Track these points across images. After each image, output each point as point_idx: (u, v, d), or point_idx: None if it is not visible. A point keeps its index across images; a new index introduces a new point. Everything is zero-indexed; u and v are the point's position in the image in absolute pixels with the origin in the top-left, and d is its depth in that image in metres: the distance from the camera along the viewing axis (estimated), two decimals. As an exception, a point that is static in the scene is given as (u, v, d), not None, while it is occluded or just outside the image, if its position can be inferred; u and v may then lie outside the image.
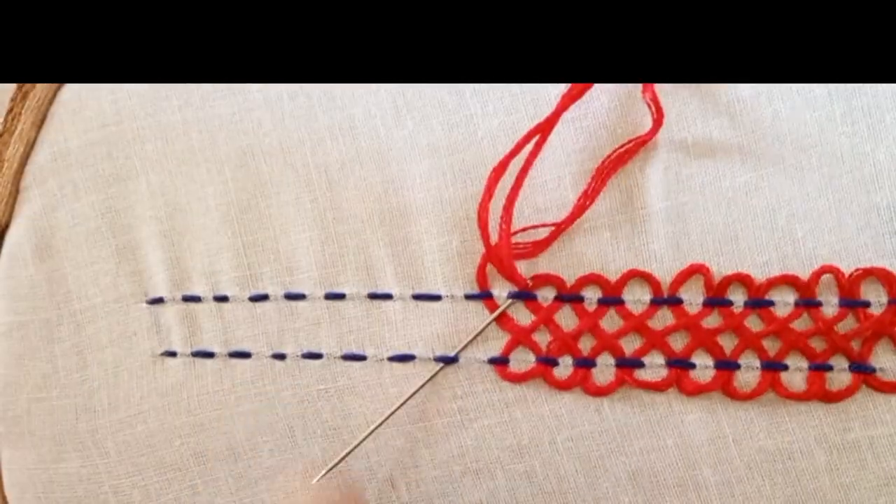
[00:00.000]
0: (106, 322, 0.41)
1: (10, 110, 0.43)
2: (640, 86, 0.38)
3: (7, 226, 0.43)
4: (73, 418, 0.42)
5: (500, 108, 0.39)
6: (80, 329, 0.42)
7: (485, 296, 0.38)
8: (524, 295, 0.38)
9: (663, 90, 0.38)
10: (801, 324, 0.36)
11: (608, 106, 0.38)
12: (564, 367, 0.38)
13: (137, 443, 0.41)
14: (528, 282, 0.38)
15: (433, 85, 0.39)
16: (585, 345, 0.37)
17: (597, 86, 0.38)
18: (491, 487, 0.38)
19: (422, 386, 0.38)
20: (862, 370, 0.36)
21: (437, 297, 0.38)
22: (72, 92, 0.42)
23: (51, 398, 0.42)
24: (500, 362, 0.38)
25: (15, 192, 0.43)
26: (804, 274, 0.36)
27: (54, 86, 0.42)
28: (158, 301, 0.41)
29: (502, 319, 0.38)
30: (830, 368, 0.36)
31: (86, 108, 0.42)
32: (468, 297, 0.38)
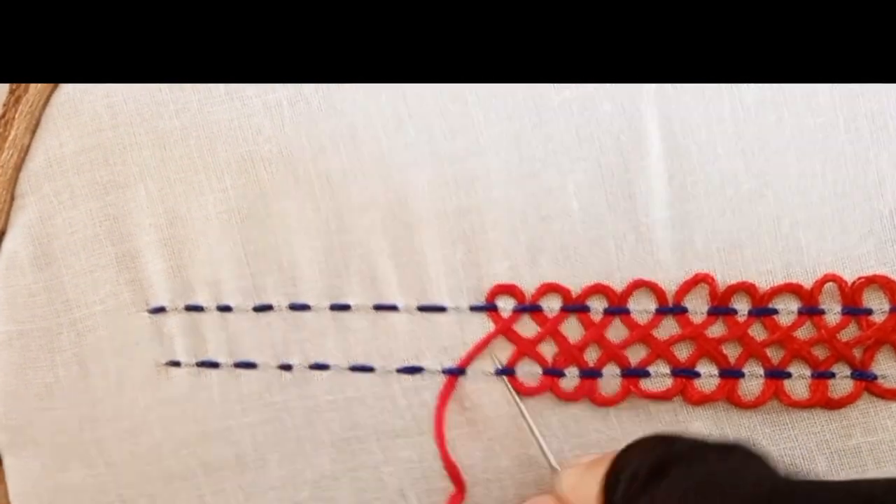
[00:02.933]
0: (107, 331, 0.42)
1: (3, 115, 0.43)
2: (643, 91, 0.38)
3: (3, 234, 0.43)
4: (77, 428, 0.43)
5: (502, 115, 0.39)
6: (81, 338, 0.43)
7: (490, 307, 0.39)
8: (530, 307, 0.39)
9: (668, 96, 0.38)
10: (804, 332, 0.37)
11: (612, 112, 0.39)
12: (571, 378, 0.39)
13: (143, 452, 0.42)
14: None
15: (435, 91, 0.39)
16: (591, 355, 0.39)
17: (600, 91, 0.39)
18: (500, 497, 0.40)
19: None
20: (864, 377, 0.37)
21: (442, 309, 0.39)
22: (66, 96, 0.42)
23: (54, 408, 0.43)
24: (508, 373, 0.39)
25: (10, 200, 0.43)
26: (807, 282, 0.37)
27: (47, 90, 0.42)
28: (160, 310, 0.42)
29: (508, 331, 0.39)
30: (833, 376, 0.37)
31: (80, 112, 0.42)
32: (473, 308, 0.39)
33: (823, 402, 0.37)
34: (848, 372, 0.37)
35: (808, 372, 0.37)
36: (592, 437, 0.39)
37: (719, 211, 0.38)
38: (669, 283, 0.38)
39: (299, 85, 0.40)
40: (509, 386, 0.39)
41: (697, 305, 0.38)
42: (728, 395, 0.38)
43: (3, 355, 0.44)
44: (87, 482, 0.43)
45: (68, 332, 0.43)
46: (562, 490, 0.34)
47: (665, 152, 0.38)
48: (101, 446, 0.43)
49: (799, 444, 0.38)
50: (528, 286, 0.39)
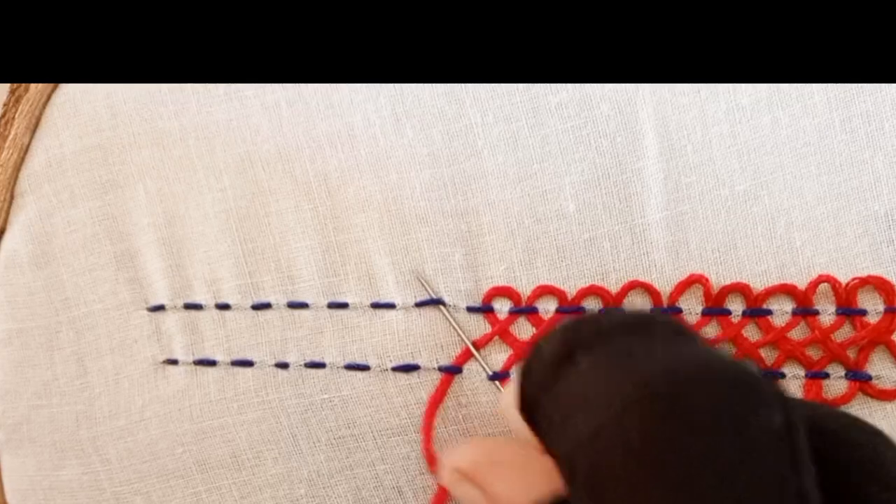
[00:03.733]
0: (106, 329, 0.43)
1: (3, 115, 0.43)
2: (639, 93, 0.39)
3: (3, 232, 0.44)
4: (74, 425, 0.43)
5: (500, 117, 0.40)
6: (80, 336, 0.43)
7: (486, 309, 0.39)
8: (526, 310, 0.39)
9: (663, 98, 0.39)
10: (799, 332, 0.38)
11: (608, 114, 0.39)
12: (565, 378, 0.39)
13: (139, 450, 0.42)
14: None
15: (432, 93, 0.40)
16: (586, 356, 0.39)
17: (596, 93, 0.39)
18: (495, 493, 0.40)
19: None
20: (858, 378, 0.37)
21: (440, 303, 0.40)
22: (66, 96, 0.43)
23: (51, 405, 0.43)
24: (501, 377, 0.39)
25: (10, 199, 0.44)
26: (802, 283, 0.38)
27: (48, 90, 0.43)
28: (159, 308, 0.42)
29: (504, 333, 0.39)
30: (827, 376, 0.38)
31: (80, 112, 0.43)
32: (470, 309, 0.39)
33: (818, 402, 0.37)
34: (842, 372, 0.38)
35: (802, 372, 0.38)
36: (587, 436, 0.39)
37: (714, 212, 0.38)
38: (664, 283, 0.38)
39: (298, 85, 0.41)
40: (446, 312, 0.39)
41: (692, 306, 0.38)
42: (722, 396, 0.38)
43: (2, 353, 0.44)
44: (83, 480, 0.43)
45: (67, 331, 0.43)
46: (501, 409, 0.32)
47: (660, 154, 0.39)
48: (97, 444, 0.43)
49: (793, 444, 0.38)
50: (525, 288, 0.39)
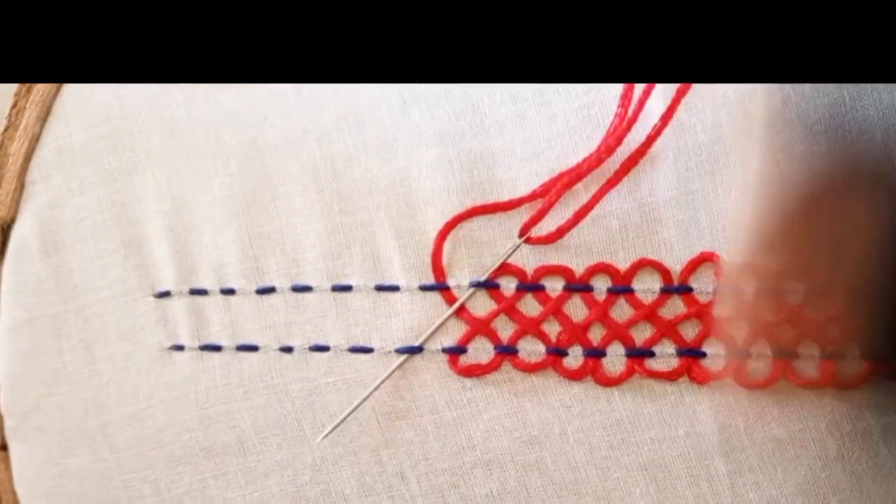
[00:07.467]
0: (113, 316, 0.42)
1: (15, 105, 0.44)
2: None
3: (13, 221, 0.43)
4: (83, 413, 0.43)
5: (506, 97, 0.39)
6: (88, 324, 0.43)
7: (491, 286, 0.39)
8: (532, 287, 0.38)
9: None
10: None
11: (616, 93, 0.38)
12: (574, 358, 0.38)
13: (147, 437, 0.42)
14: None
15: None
16: (595, 335, 0.38)
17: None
18: (502, 478, 0.39)
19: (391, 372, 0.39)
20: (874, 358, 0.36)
21: (445, 288, 0.39)
22: (76, 86, 0.43)
23: (59, 393, 0.43)
24: (508, 352, 0.38)
25: (20, 187, 0.43)
26: (815, 262, 0.37)
27: (58, 80, 0.43)
28: (165, 294, 0.42)
29: (510, 310, 0.39)
30: (843, 356, 0.36)
31: (90, 102, 0.43)
32: (474, 285, 0.39)
33: (833, 382, 0.36)
34: (858, 352, 0.36)
35: (817, 352, 0.37)
36: (596, 418, 0.38)
37: (725, 190, 0.37)
38: (674, 262, 0.38)
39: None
40: None
41: (703, 285, 0.37)
42: (735, 376, 0.37)
43: (11, 342, 0.44)
44: (91, 468, 0.43)
45: (75, 318, 0.43)
46: None
47: (670, 133, 0.38)
48: (105, 432, 0.42)
49: (808, 425, 0.37)
50: (531, 266, 0.38)
